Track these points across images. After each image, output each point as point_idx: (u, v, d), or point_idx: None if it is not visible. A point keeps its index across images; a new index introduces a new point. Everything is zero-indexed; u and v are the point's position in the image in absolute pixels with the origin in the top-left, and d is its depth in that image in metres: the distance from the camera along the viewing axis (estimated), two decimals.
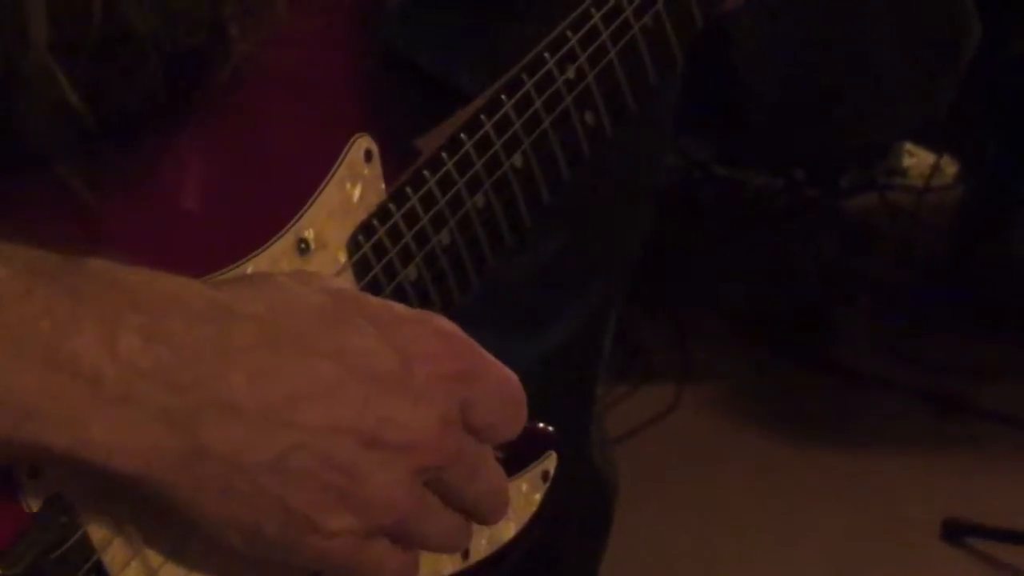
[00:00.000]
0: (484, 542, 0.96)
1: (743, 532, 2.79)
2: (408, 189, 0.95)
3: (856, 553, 2.75)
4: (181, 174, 0.89)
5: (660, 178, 1.26)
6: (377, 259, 0.94)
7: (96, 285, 0.79)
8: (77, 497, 0.83)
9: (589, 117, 0.99)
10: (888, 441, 3.07)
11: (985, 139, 3.51)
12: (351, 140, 0.94)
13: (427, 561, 0.90)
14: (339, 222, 0.93)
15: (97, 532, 0.84)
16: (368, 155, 0.95)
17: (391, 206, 0.95)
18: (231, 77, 0.88)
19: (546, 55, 0.98)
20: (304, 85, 0.93)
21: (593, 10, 0.99)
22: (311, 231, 0.92)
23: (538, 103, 0.97)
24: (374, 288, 0.94)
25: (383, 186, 0.95)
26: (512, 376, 0.87)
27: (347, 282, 0.93)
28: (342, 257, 0.94)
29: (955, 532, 2.78)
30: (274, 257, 0.91)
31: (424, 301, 0.96)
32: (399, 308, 0.87)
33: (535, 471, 0.98)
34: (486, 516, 0.89)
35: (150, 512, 0.84)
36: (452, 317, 0.88)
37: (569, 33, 0.98)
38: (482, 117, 0.96)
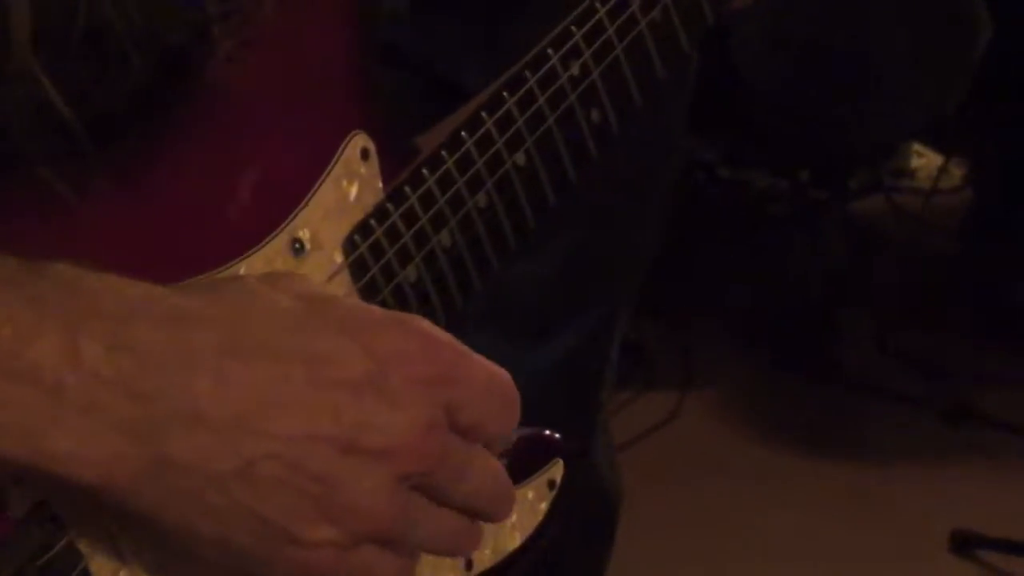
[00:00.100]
0: (488, 552, 0.96)
1: (747, 543, 2.79)
2: (407, 188, 0.95)
3: (862, 565, 2.75)
4: (171, 174, 0.89)
5: (673, 184, 1.26)
6: (374, 260, 0.94)
7: (58, 292, 0.79)
8: (63, 504, 0.83)
9: (595, 115, 0.99)
10: (895, 450, 3.07)
11: (994, 140, 3.52)
12: (347, 138, 0.94)
13: (428, 571, 0.89)
14: (335, 222, 0.93)
15: (83, 540, 0.84)
16: (365, 153, 0.95)
17: (389, 205, 0.94)
18: (219, 76, 0.88)
19: (549, 51, 0.97)
20: (299, 82, 0.93)
21: (598, 5, 0.99)
22: (306, 231, 0.92)
23: (541, 100, 0.97)
24: (371, 289, 0.94)
25: (381, 185, 0.95)
26: (501, 373, 0.86)
27: (343, 283, 0.93)
28: (338, 258, 0.93)
29: (964, 544, 2.78)
30: (268, 257, 0.91)
31: (424, 303, 0.95)
32: (374, 311, 0.86)
33: (541, 479, 0.98)
34: (489, 514, 0.88)
35: (136, 521, 0.83)
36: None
37: (574, 28, 0.98)
38: (483, 114, 0.96)
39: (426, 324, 0.85)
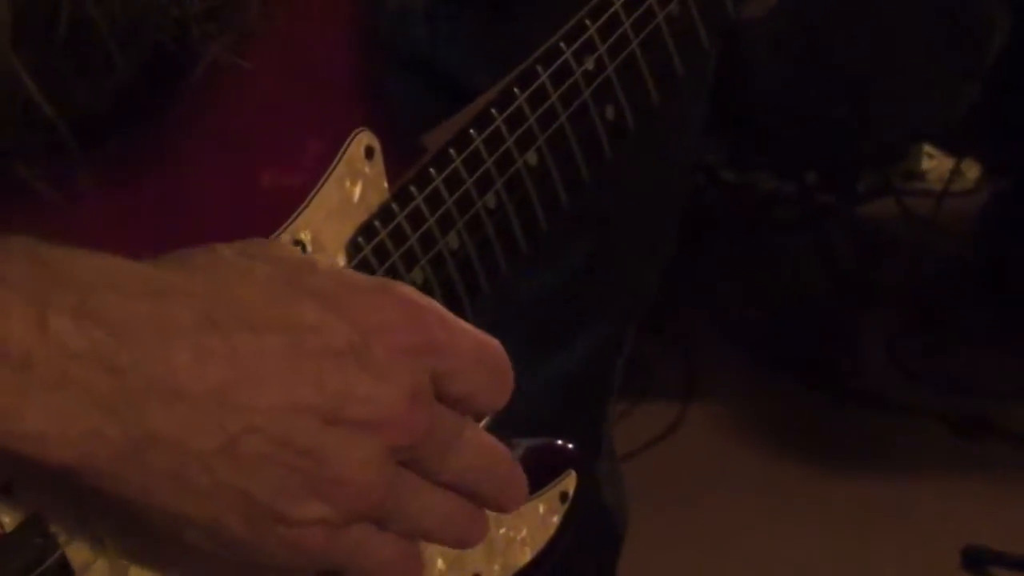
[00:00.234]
0: (497, 568, 0.96)
1: (751, 559, 2.79)
2: (413, 188, 0.95)
3: None
4: (161, 175, 0.90)
5: (686, 190, 1.26)
6: (379, 262, 0.94)
7: (21, 265, 0.78)
8: (54, 515, 0.83)
9: (610, 112, 0.99)
10: (905, 464, 3.07)
11: (1010, 139, 3.52)
12: (351, 135, 0.94)
13: None
14: (338, 223, 0.93)
15: (76, 553, 0.83)
16: (369, 152, 0.95)
17: (394, 206, 0.94)
18: (211, 74, 0.88)
19: (562, 45, 0.97)
20: (299, 79, 0.94)
21: None
22: (307, 232, 0.92)
23: (554, 96, 0.97)
24: None
25: (386, 185, 0.95)
26: (492, 342, 0.86)
27: None
28: (341, 260, 0.94)
29: (977, 561, 2.78)
30: None
31: None
32: (356, 277, 0.86)
33: (553, 492, 0.98)
34: (487, 495, 0.87)
35: (133, 532, 0.83)
36: None
37: (588, 21, 0.98)
38: (493, 111, 0.96)
39: (409, 290, 0.85)
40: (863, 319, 3.45)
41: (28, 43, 0.83)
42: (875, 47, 2.34)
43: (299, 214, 0.92)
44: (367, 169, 0.94)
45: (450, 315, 0.85)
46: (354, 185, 0.94)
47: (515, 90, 0.96)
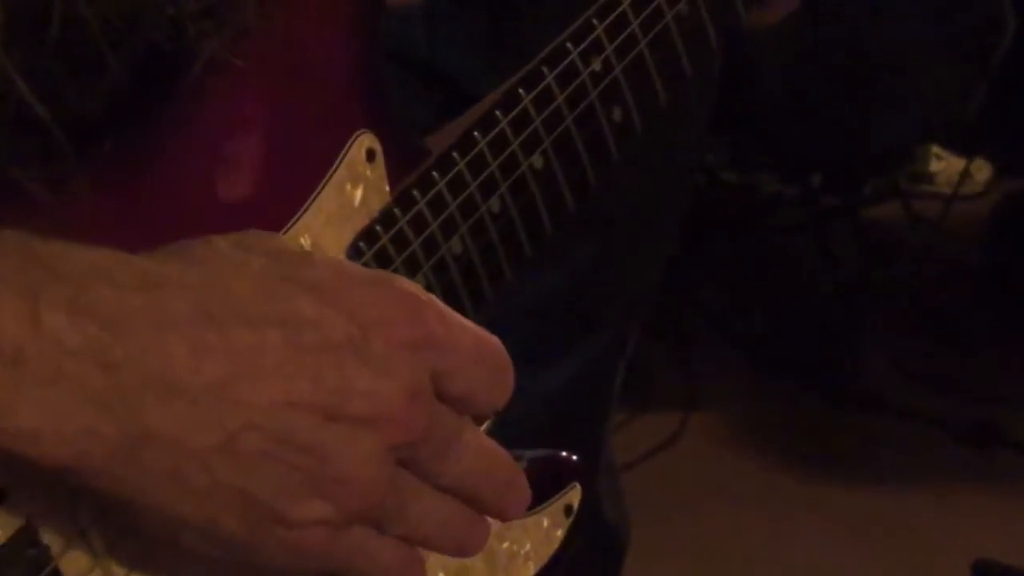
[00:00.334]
0: None
1: (752, 570, 2.79)
2: (415, 192, 0.95)
3: None
4: (156, 178, 0.90)
5: (689, 193, 1.27)
6: (380, 268, 0.94)
7: (12, 259, 0.78)
8: (48, 526, 0.82)
9: (617, 113, 0.99)
10: (912, 475, 3.07)
11: (1021, 139, 3.52)
12: (352, 138, 0.94)
13: None
14: (338, 227, 0.93)
15: (70, 565, 0.83)
16: (371, 154, 0.95)
17: (396, 210, 0.94)
18: (207, 76, 0.88)
19: (569, 45, 0.97)
20: (298, 81, 0.94)
21: None
22: (307, 237, 0.92)
23: (560, 98, 0.97)
24: None
25: (387, 188, 0.95)
26: (492, 339, 0.86)
27: None
28: None
29: (985, 575, 2.78)
30: None
31: None
32: (354, 270, 0.86)
33: (557, 505, 0.98)
34: (488, 501, 0.87)
35: (129, 538, 0.83)
36: None
37: (595, 21, 0.98)
38: (497, 113, 0.96)
39: (408, 284, 0.85)
40: (868, 325, 3.45)
41: (20, 44, 0.83)
42: (879, 48, 2.35)
43: (298, 218, 0.92)
44: (368, 172, 0.94)
45: (449, 311, 0.85)
46: (355, 188, 0.94)
47: (520, 91, 0.96)
